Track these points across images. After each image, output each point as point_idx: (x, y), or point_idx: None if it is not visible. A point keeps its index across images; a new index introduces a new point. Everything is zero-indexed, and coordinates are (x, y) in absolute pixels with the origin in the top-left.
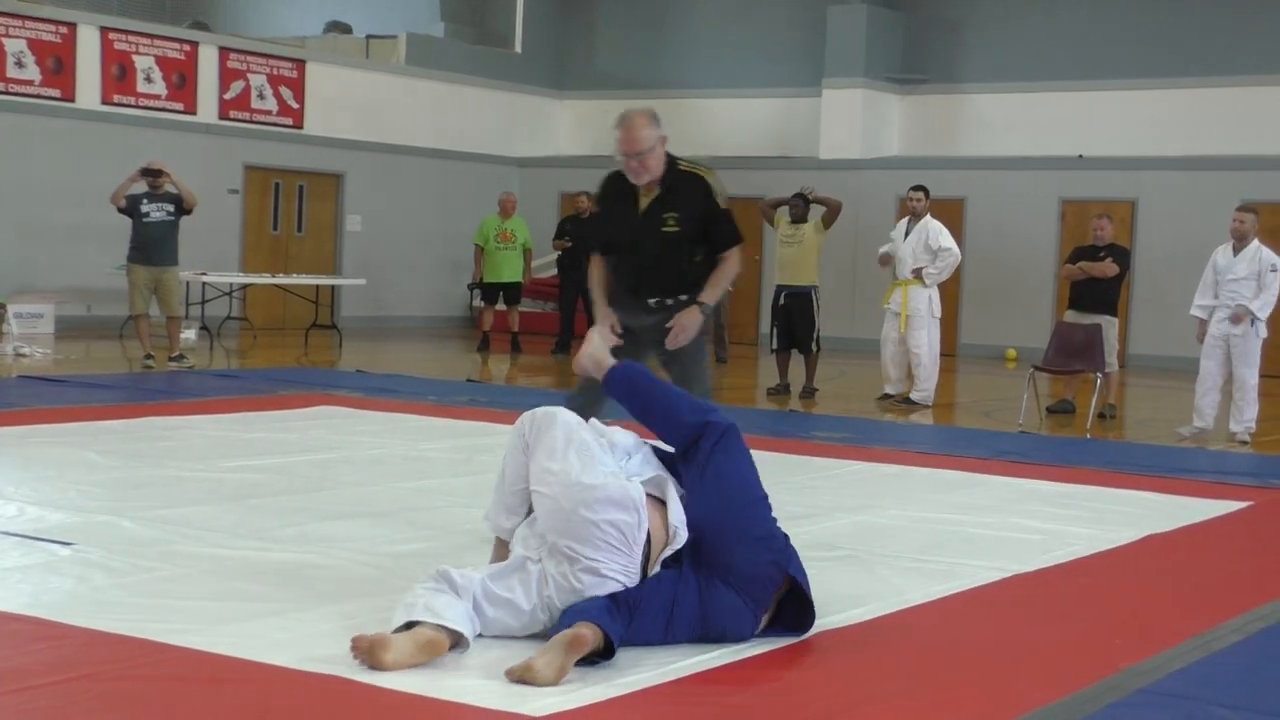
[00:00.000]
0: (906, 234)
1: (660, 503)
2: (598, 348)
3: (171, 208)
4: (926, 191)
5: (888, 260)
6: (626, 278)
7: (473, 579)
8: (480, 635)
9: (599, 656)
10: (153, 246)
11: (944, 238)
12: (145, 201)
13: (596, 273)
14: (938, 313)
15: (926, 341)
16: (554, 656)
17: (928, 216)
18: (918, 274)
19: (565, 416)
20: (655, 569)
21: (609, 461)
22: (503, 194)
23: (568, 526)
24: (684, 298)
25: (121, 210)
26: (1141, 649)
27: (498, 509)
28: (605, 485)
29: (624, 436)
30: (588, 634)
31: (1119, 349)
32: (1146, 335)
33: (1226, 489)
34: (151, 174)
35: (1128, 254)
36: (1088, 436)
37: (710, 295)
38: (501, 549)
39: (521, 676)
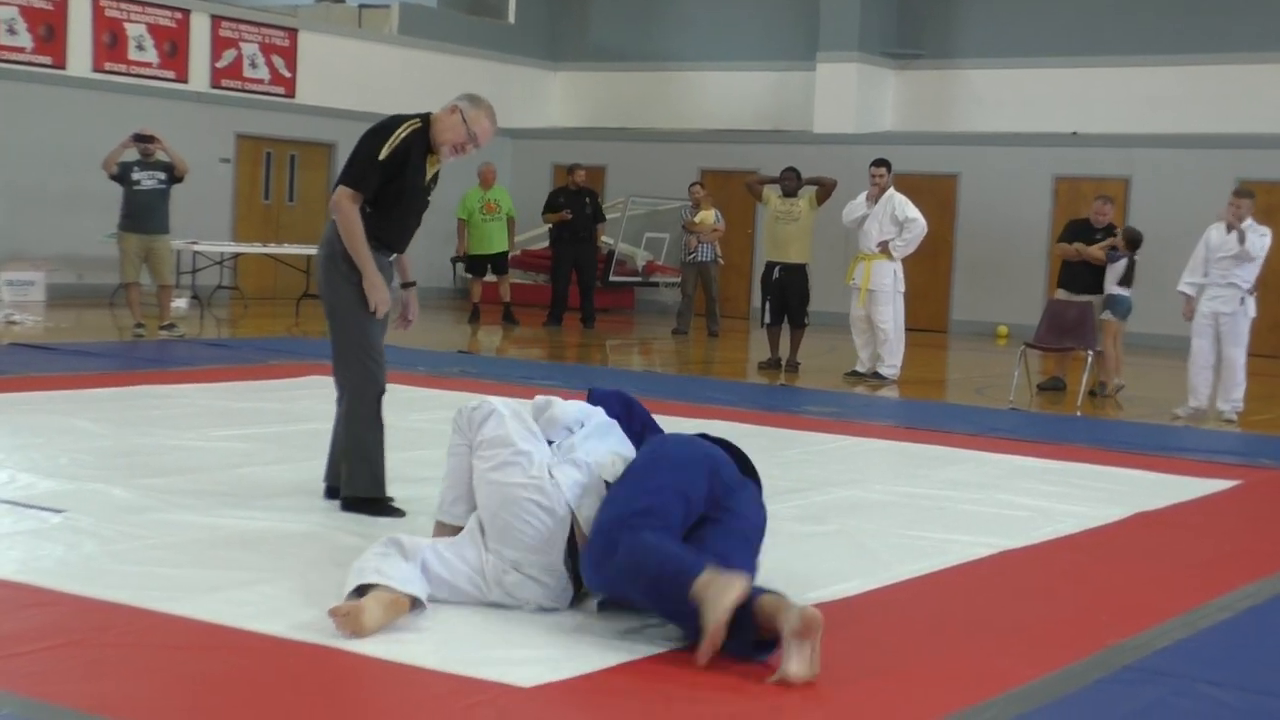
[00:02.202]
0: (870, 209)
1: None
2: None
3: (163, 175)
4: (889, 165)
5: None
6: (388, 233)
7: (421, 544)
8: (431, 598)
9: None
10: (144, 214)
11: (909, 208)
12: (136, 169)
13: (358, 218)
14: (902, 287)
15: (892, 316)
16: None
17: (891, 189)
18: (884, 247)
19: (498, 406)
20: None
21: (541, 450)
22: (482, 165)
23: (493, 526)
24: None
25: (113, 177)
26: (1128, 626)
27: (452, 502)
28: (524, 485)
29: (568, 410)
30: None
31: None
32: (1139, 313)
33: (1215, 468)
34: (143, 140)
35: (1138, 238)
36: (1078, 414)
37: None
38: (443, 530)
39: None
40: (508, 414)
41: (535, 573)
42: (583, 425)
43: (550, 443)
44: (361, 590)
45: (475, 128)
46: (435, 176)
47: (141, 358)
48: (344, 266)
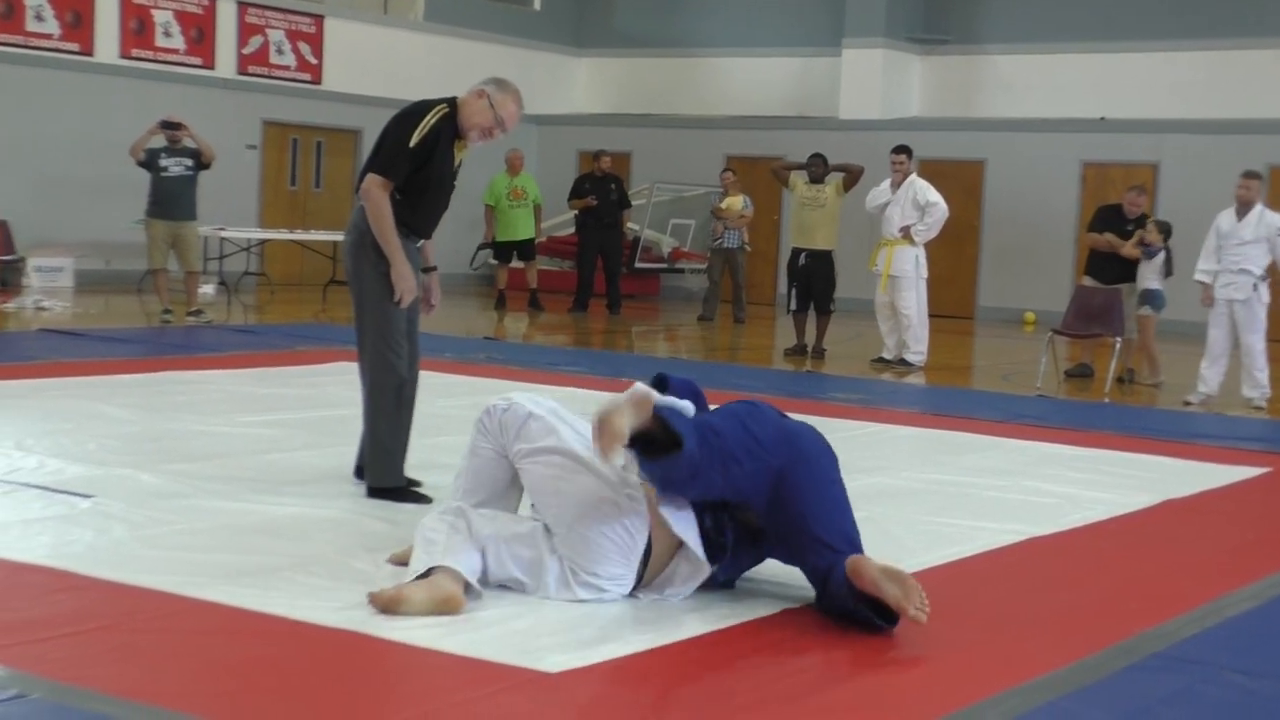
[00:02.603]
0: (893, 195)
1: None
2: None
3: (190, 162)
4: (910, 152)
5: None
6: (416, 220)
7: (483, 532)
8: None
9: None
10: (171, 201)
11: (930, 193)
12: (164, 156)
13: (388, 206)
14: (924, 273)
15: (915, 302)
16: None
17: (913, 175)
18: (906, 232)
19: (532, 408)
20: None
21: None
22: (509, 151)
23: (568, 539)
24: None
25: (140, 164)
26: (1156, 613)
27: (457, 478)
28: (601, 500)
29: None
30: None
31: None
32: (1167, 300)
33: (1244, 455)
34: (170, 127)
35: (1169, 230)
36: (1106, 401)
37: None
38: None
39: None
40: (549, 415)
41: (606, 583)
42: None
43: None
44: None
45: (502, 112)
46: (460, 163)
47: (169, 343)
48: (371, 254)
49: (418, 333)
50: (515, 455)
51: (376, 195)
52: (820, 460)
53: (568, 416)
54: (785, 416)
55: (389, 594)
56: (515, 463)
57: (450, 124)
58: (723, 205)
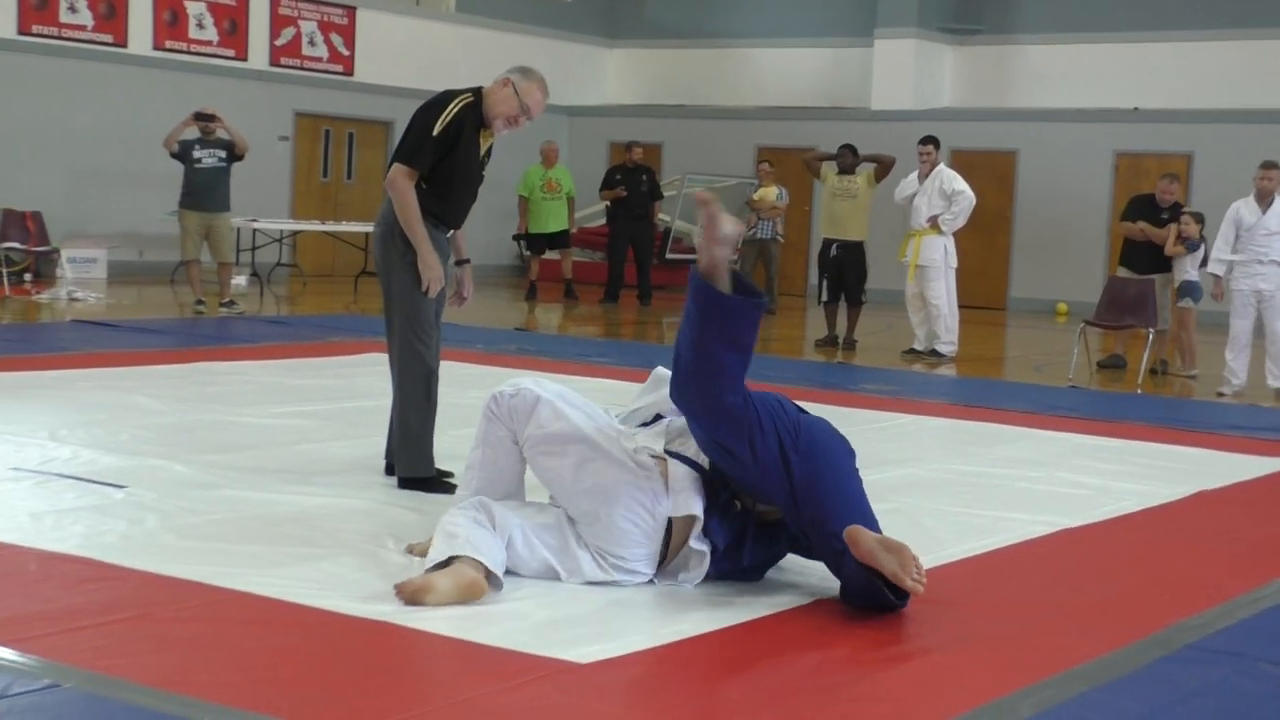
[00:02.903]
0: (921, 186)
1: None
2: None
3: (223, 153)
4: (937, 143)
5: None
6: (444, 209)
7: (510, 520)
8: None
9: None
10: (204, 192)
11: (957, 181)
12: (197, 147)
13: (413, 196)
14: (954, 262)
15: (944, 292)
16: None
17: (941, 165)
18: (934, 222)
19: (540, 392)
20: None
21: (610, 433)
22: (544, 143)
23: (593, 527)
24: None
25: (174, 155)
26: (1189, 605)
27: (469, 471)
28: (619, 483)
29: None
30: None
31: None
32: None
33: (1278, 446)
34: (204, 118)
35: (1202, 220)
36: (1139, 392)
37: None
38: None
39: None
40: (556, 400)
41: (636, 564)
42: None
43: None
44: (449, 561)
45: (528, 100)
46: (489, 151)
47: (201, 335)
48: (400, 244)
49: (440, 326)
50: (525, 442)
51: (401, 184)
52: (837, 451)
53: (575, 399)
54: (803, 411)
55: (415, 583)
56: (525, 449)
57: (474, 113)
58: (756, 196)
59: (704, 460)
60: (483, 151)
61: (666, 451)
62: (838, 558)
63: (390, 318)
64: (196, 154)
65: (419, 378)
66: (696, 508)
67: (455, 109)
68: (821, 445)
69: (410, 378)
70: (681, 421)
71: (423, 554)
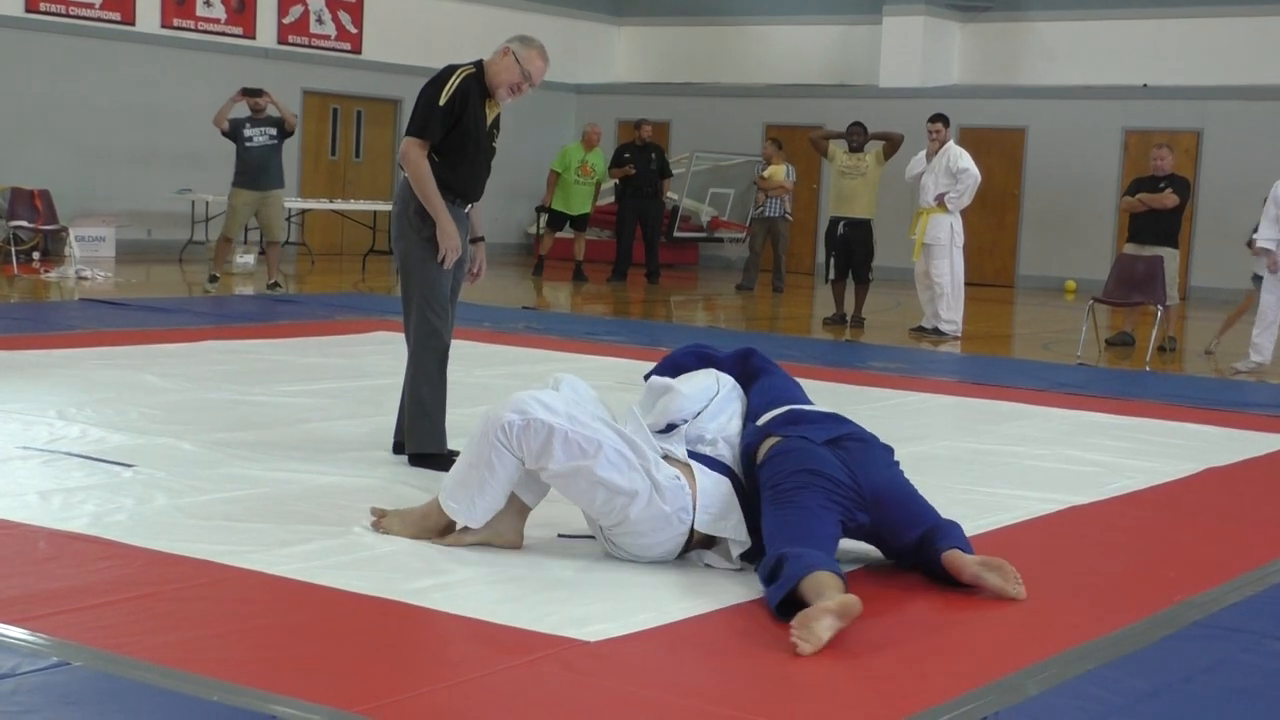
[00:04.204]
0: (929, 164)
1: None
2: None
3: (274, 131)
4: (946, 121)
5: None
6: (460, 181)
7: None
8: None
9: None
10: (258, 170)
11: (963, 159)
12: (248, 126)
13: (427, 166)
14: (960, 241)
15: (949, 271)
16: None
17: (949, 142)
18: (940, 200)
19: (554, 425)
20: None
21: (633, 471)
22: (588, 125)
23: (619, 536)
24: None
25: (225, 134)
26: (1198, 582)
27: (472, 499)
28: (640, 520)
29: (684, 404)
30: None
31: (1180, 281)
32: (1209, 267)
33: None
34: (252, 94)
35: (1188, 184)
36: (1147, 369)
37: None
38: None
39: None
40: (570, 428)
41: (660, 546)
42: (698, 414)
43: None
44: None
45: (529, 67)
46: (496, 121)
47: (210, 313)
48: (415, 220)
49: (456, 300)
50: (541, 472)
51: (415, 156)
52: (887, 462)
53: (586, 416)
54: (843, 423)
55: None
56: (542, 476)
57: (478, 83)
58: (765, 174)
59: (733, 463)
60: (489, 121)
61: (691, 455)
62: (913, 556)
63: (406, 293)
64: (248, 132)
65: (434, 354)
66: (726, 529)
67: (458, 80)
68: (879, 475)
69: (425, 354)
70: (701, 427)
71: (382, 514)
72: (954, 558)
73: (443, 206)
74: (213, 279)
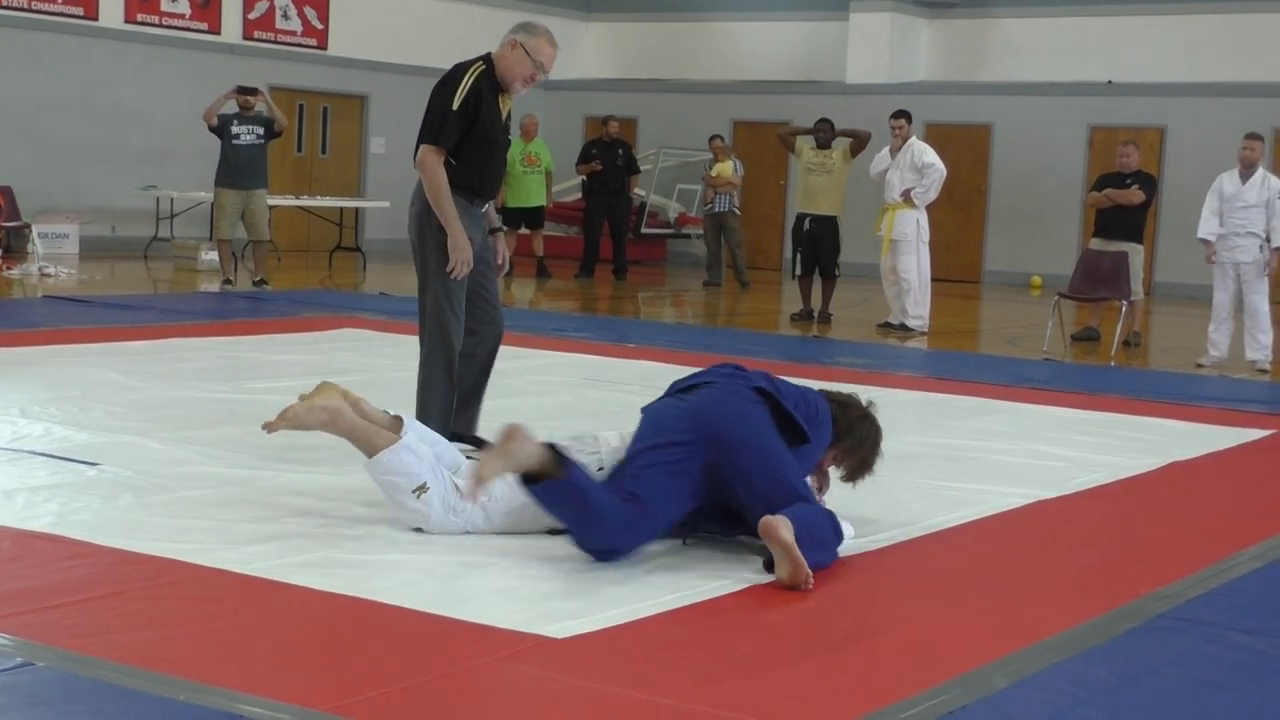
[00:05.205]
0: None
1: None
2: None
3: (261, 130)
4: (909, 117)
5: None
6: (480, 182)
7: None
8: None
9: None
10: (243, 169)
11: (928, 154)
12: (235, 123)
13: (443, 175)
14: (926, 236)
15: (915, 266)
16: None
17: (913, 138)
18: (907, 196)
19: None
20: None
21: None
22: (525, 117)
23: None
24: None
25: (212, 129)
26: (1162, 575)
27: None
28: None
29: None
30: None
31: (1145, 277)
32: (1173, 263)
33: (1249, 417)
34: (245, 92)
35: (1154, 181)
36: (1112, 364)
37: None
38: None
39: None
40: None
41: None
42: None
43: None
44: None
45: (539, 57)
46: (508, 115)
47: (175, 310)
48: (434, 223)
49: (498, 298)
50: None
51: (431, 164)
52: (742, 428)
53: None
54: (707, 384)
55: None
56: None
57: (489, 80)
58: (713, 172)
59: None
60: (504, 116)
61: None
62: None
63: (422, 295)
64: (235, 130)
65: (443, 358)
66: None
67: (470, 80)
68: (719, 431)
69: (435, 355)
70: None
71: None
72: (771, 525)
73: (455, 217)
74: (227, 282)
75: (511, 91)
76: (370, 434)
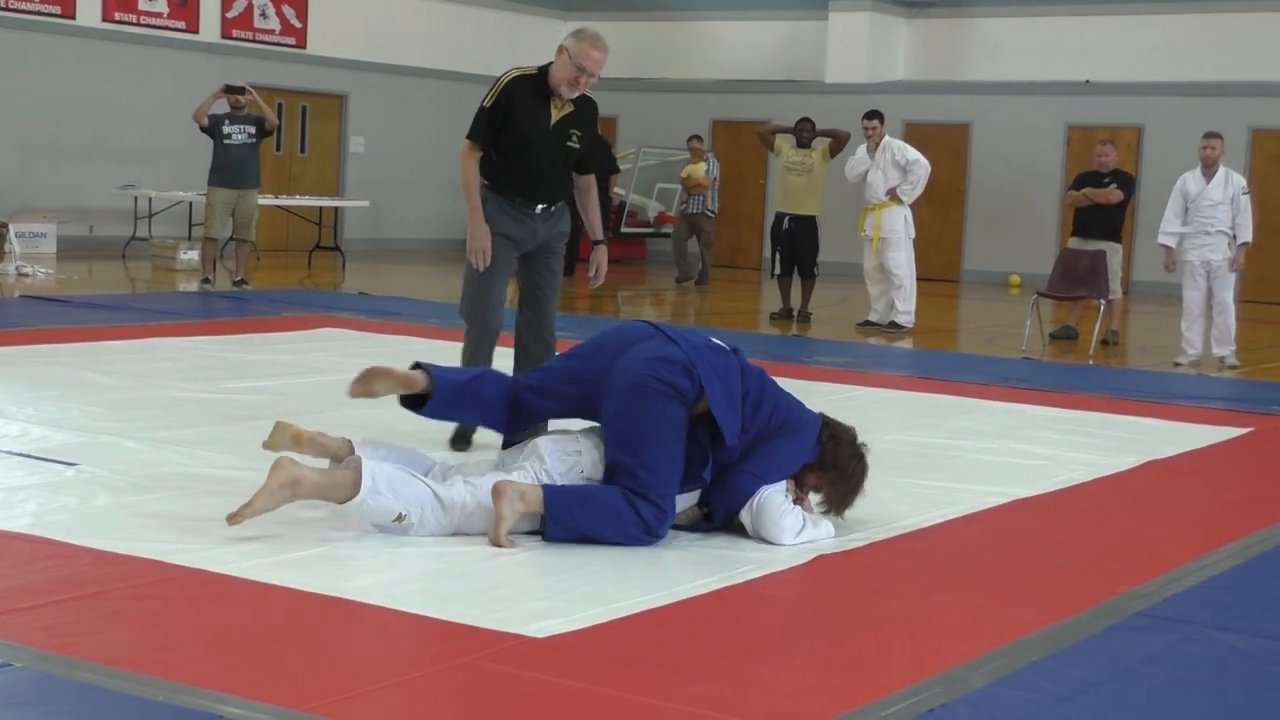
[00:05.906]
0: (872, 160)
1: None
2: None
3: (253, 129)
4: (882, 117)
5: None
6: (518, 182)
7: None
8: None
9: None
10: (235, 169)
11: (909, 151)
12: (227, 123)
13: (472, 169)
14: (913, 233)
15: (905, 263)
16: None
17: (887, 137)
18: (892, 194)
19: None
20: None
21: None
22: None
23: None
24: (558, 206)
25: (203, 129)
26: (1139, 573)
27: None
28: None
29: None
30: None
31: (1122, 276)
32: (1151, 262)
33: (1227, 415)
34: (234, 91)
35: (1132, 180)
36: (1090, 363)
37: (601, 232)
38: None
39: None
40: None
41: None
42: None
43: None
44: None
45: (583, 60)
46: (563, 122)
47: (154, 310)
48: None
49: (550, 307)
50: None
51: (463, 157)
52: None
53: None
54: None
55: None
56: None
57: (533, 84)
58: (685, 173)
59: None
60: (553, 121)
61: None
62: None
63: (464, 282)
64: (226, 129)
65: (468, 339)
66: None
67: (506, 81)
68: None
69: (466, 335)
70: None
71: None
72: (499, 488)
73: (476, 207)
74: (205, 280)
75: (559, 95)
76: (332, 490)
